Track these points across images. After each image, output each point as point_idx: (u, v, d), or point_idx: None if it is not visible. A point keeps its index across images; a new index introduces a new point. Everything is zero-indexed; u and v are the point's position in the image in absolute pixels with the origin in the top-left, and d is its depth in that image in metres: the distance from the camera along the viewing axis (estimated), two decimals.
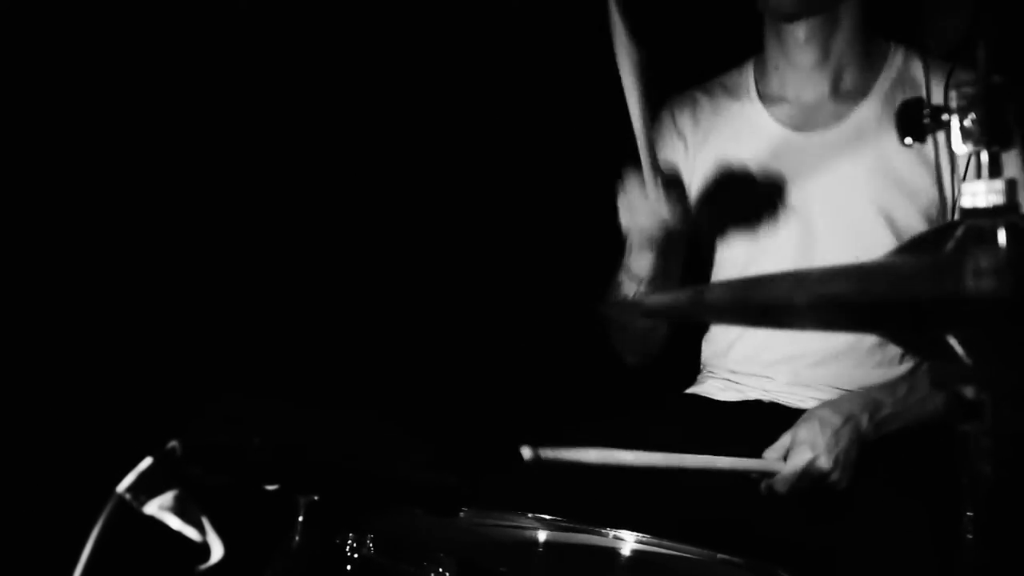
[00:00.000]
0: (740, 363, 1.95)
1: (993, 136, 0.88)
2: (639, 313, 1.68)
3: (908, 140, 0.90)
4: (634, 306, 1.45)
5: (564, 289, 2.28)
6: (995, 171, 0.88)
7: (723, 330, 1.98)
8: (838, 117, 1.87)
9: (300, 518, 0.99)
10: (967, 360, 0.82)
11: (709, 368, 2.01)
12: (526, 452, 1.54)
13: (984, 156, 0.88)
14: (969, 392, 0.83)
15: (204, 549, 0.84)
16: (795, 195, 1.87)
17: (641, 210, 1.73)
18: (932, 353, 0.86)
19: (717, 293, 0.94)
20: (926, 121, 0.90)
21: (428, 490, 1.04)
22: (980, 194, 0.88)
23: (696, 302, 0.91)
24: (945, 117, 0.90)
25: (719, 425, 1.88)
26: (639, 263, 1.80)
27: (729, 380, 1.97)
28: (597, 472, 1.74)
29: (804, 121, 1.89)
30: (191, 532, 0.83)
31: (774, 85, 1.93)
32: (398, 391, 2.25)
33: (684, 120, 1.99)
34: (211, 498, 0.92)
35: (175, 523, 0.83)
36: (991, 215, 0.86)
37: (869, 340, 1.85)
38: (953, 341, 0.82)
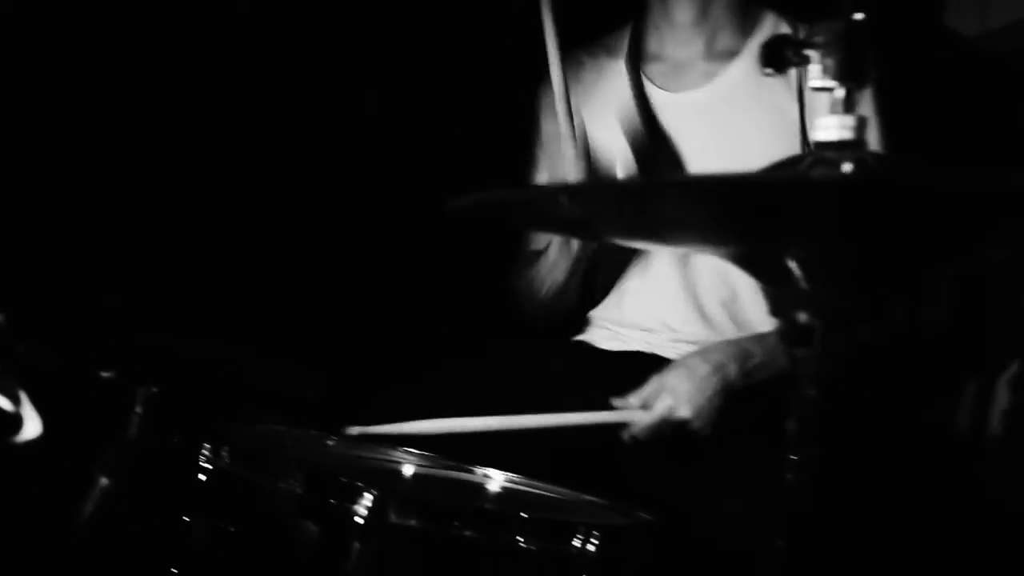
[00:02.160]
0: (624, 316, 1.99)
1: (849, 73, 0.89)
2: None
3: (768, 70, 0.91)
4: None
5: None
6: (848, 107, 0.90)
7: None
8: (709, 76, 1.92)
9: (137, 410, 0.97)
10: (803, 284, 0.84)
11: (596, 322, 2.05)
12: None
13: (839, 92, 0.90)
14: (803, 318, 0.85)
15: (17, 421, 0.82)
16: (667, 153, 1.90)
17: (564, 162, 1.77)
18: (775, 279, 0.88)
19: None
20: (788, 53, 0.92)
21: (274, 388, 1.03)
22: (832, 128, 0.89)
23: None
24: (807, 52, 0.92)
25: (598, 370, 1.91)
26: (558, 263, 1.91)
27: (614, 331, 2.01)
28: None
29: (676, 81, 1.94)
30: (2, 401, 0.80)
31: (652, 44, 1.97)
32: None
33: (569, 81, 2.01)
34: (48, 383, 0.89)
35: None
36: (840, 149, 0.88)
37: (741, 311, 1.90)
38: (793, 265, 0.84)
